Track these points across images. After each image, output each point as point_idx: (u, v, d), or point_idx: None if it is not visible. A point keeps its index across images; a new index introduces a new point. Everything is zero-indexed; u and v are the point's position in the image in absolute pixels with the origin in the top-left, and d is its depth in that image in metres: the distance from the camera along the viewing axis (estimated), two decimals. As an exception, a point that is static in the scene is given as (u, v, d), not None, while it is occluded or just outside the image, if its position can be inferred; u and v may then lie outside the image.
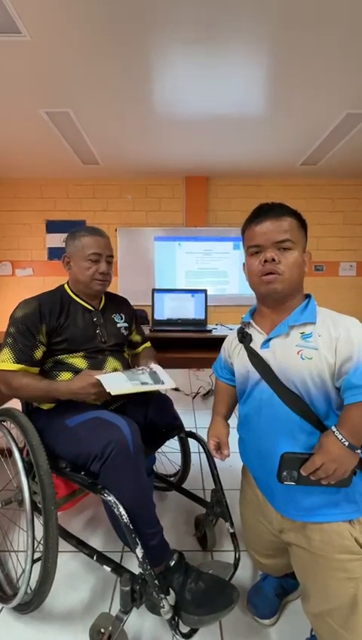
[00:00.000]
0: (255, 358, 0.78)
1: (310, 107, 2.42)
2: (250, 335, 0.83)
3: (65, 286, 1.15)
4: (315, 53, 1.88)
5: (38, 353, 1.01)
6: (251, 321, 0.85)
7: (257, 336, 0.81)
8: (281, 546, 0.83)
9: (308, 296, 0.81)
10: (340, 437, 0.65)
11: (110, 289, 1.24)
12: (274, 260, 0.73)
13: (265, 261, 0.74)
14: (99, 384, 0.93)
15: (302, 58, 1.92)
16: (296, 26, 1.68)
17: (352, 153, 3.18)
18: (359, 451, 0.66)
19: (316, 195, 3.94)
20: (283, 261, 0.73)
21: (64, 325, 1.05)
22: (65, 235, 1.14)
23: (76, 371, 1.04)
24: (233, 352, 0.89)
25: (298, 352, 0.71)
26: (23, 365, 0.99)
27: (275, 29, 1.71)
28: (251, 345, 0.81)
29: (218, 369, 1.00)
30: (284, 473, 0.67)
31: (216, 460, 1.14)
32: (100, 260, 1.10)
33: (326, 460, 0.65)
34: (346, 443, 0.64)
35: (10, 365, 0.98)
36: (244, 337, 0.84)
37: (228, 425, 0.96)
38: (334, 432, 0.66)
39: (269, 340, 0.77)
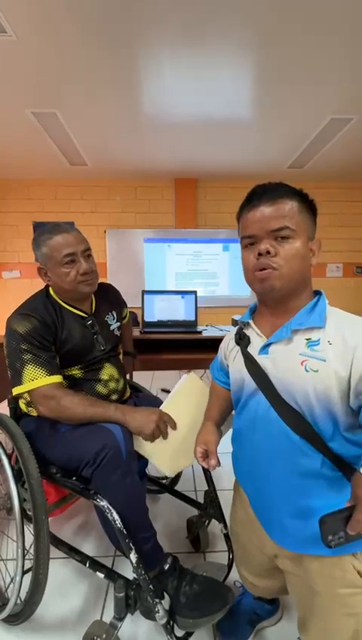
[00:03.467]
0: (252, 365, 0.67)
1: (295, 112, 2.47)
2: (248, 337, 0.71)
3: (51, 292, 1.04)
4: (300, 60, 1.92)
5: (58, 364, 0.96)
6: (250, 321, 0.72)
7: (256, 340, 0.69)
8: (276, 567, 0.76)
9: (317, 293, 0.68)
10: None
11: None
12: (269, 252, 0.61)
13: (259, 254, 0.62)
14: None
15: (287, 64, 1.96)
16: (283, 33, 1.72)
17: (337, 157, 3.26)
18: None
19: (303, 198, 4.00)
20: (281, 253, 0.61)
21: (62, 338, 0.98)
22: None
23: (72, 380, 1.01)
24: (229, 355, 0.78)
25: (301, 363, 0.60)
26: (58, 376, 0.92)
27: (262, 36, 1.75)
28: (248, 349, 0.69)
29: (214, 370, 0.91)
30: (330, 537, 0.55)
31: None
32: (77, 259, 0.96)
33: None
34: None
35: (46, 379, 0.89)
36: (241, 339, 0.72)
37: (221, 432, 0.85)
38: None
39: (269, 345, 0.65)
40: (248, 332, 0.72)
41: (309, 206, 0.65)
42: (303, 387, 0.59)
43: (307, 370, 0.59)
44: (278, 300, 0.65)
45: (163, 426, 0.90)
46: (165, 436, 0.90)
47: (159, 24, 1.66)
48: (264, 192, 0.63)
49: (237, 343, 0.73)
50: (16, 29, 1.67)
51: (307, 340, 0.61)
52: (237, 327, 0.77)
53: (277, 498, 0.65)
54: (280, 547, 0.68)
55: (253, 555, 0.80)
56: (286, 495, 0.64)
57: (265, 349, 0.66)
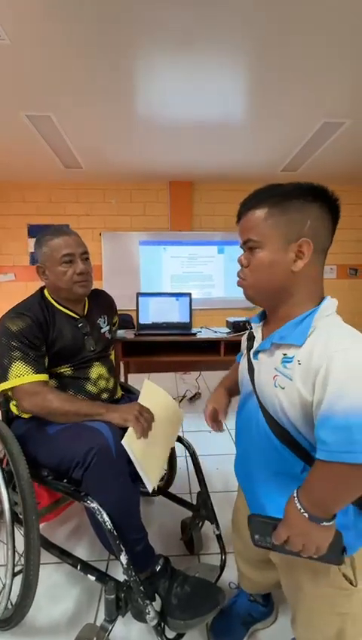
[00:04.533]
0: (248, 367, 0.70)
1: (288, 115, 2.50)
2: (254, 340, 0.73)
3: (46, 293, 1.07)
4: (293, 64, 1.94)
5: (45, 363, 0.98)
6: (258, 324, 0.73)
7: (256, 344, 0.71)
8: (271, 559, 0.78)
9: (320, 301, 0.62)
10: (299, 507, 0.53)
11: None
12: (242, 264, 0.65)
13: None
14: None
15: (280, 69, 1.99)
16: (276, 38, 1.74)
17: (329, 161, 3.30)
18: (329, 523, 0.52)
19: (297, 201, 4.04)
20: (251, 264, 0.63)
21: (53, 337, 1.00)
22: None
23: (62, 378, 1.03)
24: (243, 350, 0.80)
25: (273, 377, 0.60)
26: (45, 375, 0.95)
27: (257, 41, 1.77)
28: (251, 351, 0.71)
29: (239, 357, 0.90)
30: (256, 537, 0.58)
31: (203, 463, 1.15)
32: (75, 260, 1.02)
33: (291, 534, 0.53)
34: (306, 515, 0.52)
35: (32, 377, 0.92)
36: (250, 340, 0.74)
37: (230, 400, 0.86)
38: (294, 498, 0.54)
39: (258, 351, 0.67)
40: (256, 334, 0.74)
41: (289, 207, 0.59)
42: (272, 401, 0.60)
43: (276, 386, 0.59)
44: (265, 307, 0.68)
45: (146, 414, 0.93)
46: (150, 426, 0.92)
47: (154, 28, 1.68)
48: (242, 205, 0.65)
49: (247, 342, 0.75)
50: (10, 32, 1.67)
51: (283, 355, 0.59)
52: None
53: (263, 495, 0.67)
54: None
55: (252, 548, 0.79)
56: (269, 494, 0.65)
57: (256, 354, 0.68)
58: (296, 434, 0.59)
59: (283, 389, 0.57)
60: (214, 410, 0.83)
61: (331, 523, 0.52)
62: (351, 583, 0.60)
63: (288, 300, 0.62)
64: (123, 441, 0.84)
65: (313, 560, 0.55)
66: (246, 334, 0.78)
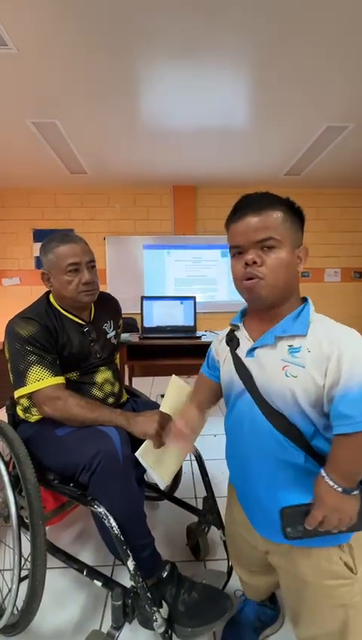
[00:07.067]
0: (240, 367, 0.70)
1: (292, 120, 2.51)
2: (238, 340, 0.74)
3: (51, 299, 1.05)
4: (295, 68, 1.96)
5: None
6: (240, 324, 0.75)
7: (244, 343, 0.72)
8: (268, 563, 0.77)
9: (304, 300, 0.70)
10: (332, 484, 0.56)
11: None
12: (255, 262, 0.63)
13: (246, 264, 0.64)
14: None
15: (283, 73, 2.00)
16: (278, 43, 1.76)
17: (333, 164, 3.30)
18: (357, 491, 0.57)
19: (301, 204, 3.95)
20: (267, 262, 0.62)
21: (61, 344, 1.00)
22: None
23: (68, 383, 1.02)
24: (221, 354, 0.80)
25: (283, 368, 0.62)
26: (62, 378, 0.94)
27: (260, 46, 1.79)
28: (237, 351, 0.72)
29: (205, 367, 0.90)
30: (288, 529, 0.59)
31: (209, 468, 1.14)
32: (80, 269, 0.99)
33: (327, 513, 0.57)
34: (339, 489, 0.56)
35: (52, 380, 0.91)
36: (231, 341, 0.75)
37: (204, 417, 0.84)
38: (324, 477, 0.58)
39: (254, 348, 0.68)
40: (238, 334, 0.75)
41: (295, 214, 0.66)
42: (283, 391, 0.62)
43: (287, 376, 0.61)
44: (266, 307, 0.67)
45: (165, 425, 0.89)
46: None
47: (158, 36, 1.70)
48: (249, 203, 0.65)
49: (228, 344, 0.75)
50: (17, 42, 1.71)
51: (289, 346, 0.63)
52: (229, 328, 0.80)
53: (263, 492, 0.67)
54: (270, 542, 0.69)
55: (247, 554, 0.82)
56: (271, 489, 0.65)
57: (251, 352, 0.69)
58: (302, 422, 0.61)
59: (295, 377, 0.60)
60: (180, 431, 0.79)
61: (358, 490, 0.57)
62: (351, 572, 0.62)
63: (288, 299, 0.67)
64: (137, 454, 0.82)
65: (341, 532, 0.59)
66: (224, 337, 0.78)
